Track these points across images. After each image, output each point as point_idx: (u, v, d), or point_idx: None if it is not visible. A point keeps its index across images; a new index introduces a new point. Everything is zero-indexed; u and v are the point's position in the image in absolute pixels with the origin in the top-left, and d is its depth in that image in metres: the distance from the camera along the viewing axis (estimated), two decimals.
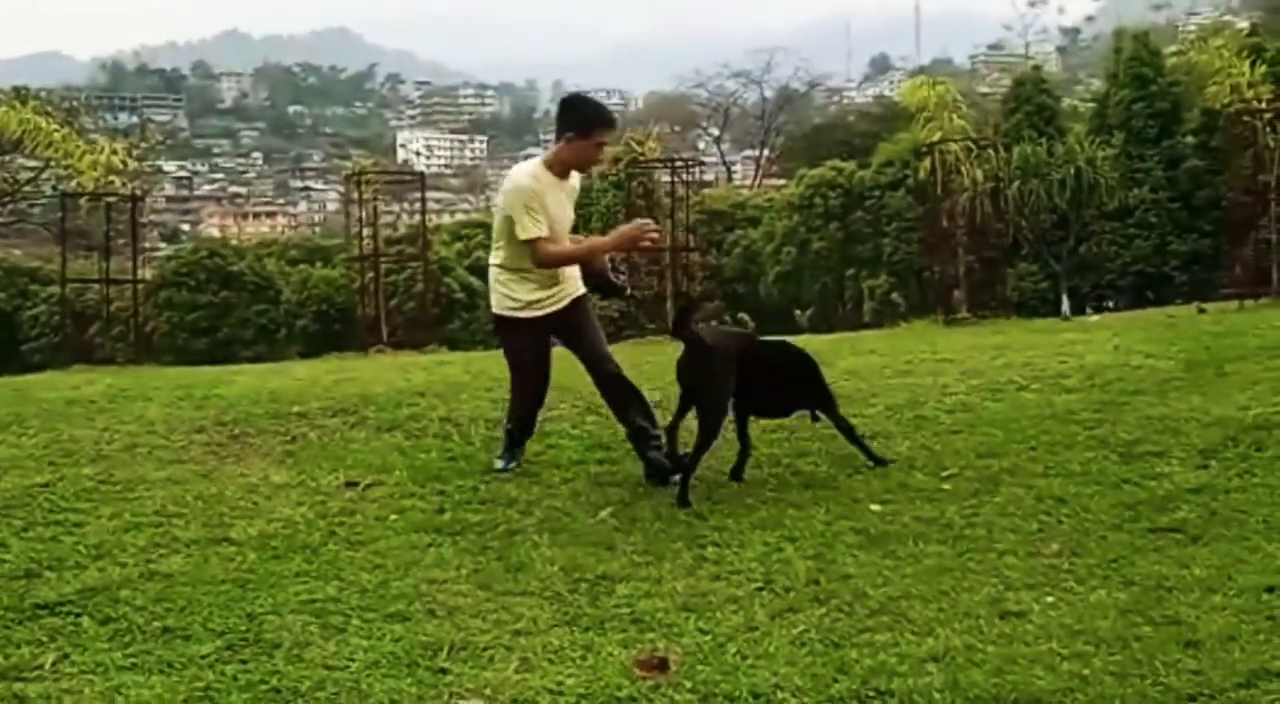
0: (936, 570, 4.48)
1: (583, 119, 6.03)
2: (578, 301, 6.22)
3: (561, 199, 6.09)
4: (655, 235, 6.21)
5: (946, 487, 5.64)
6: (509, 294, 6.14)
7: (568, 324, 6.19)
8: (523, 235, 5.90)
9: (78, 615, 4.10)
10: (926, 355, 9.01)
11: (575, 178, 6.20)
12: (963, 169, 14.76)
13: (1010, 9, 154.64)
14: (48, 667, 3.63)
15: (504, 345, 6.41)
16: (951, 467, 5.94)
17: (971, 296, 14.94)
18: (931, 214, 16.29)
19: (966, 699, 3.27)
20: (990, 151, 15.51)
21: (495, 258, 6.21)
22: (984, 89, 47.88)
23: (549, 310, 6.14)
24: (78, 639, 3.89)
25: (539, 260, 5.97)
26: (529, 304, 6.13)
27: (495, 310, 6.25)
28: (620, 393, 6.19)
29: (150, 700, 3.35)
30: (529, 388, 6.31)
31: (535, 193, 5.93)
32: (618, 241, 6.22)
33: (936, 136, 15.07)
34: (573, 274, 6.20)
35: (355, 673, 3.57)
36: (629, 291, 6.55)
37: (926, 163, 15.53)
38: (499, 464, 6.27)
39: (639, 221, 6.18)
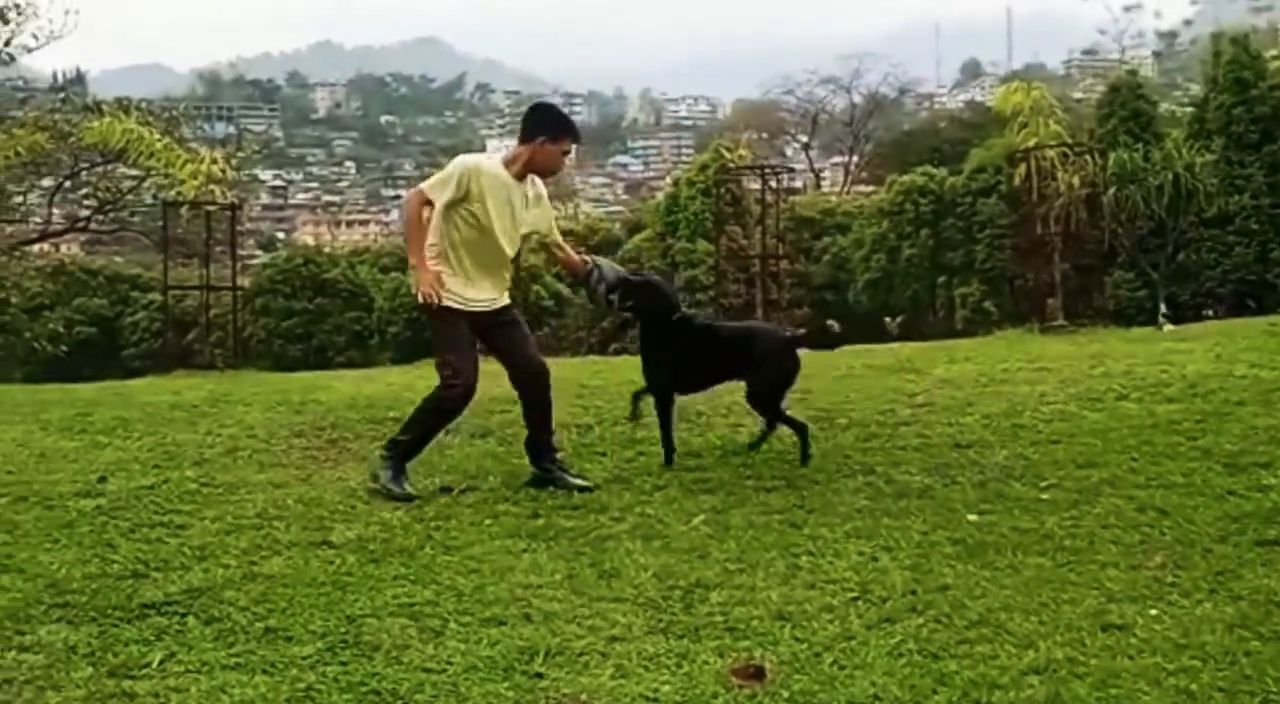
0: (1036, 582, 4.41)
1: (556, 125, 6.19)
2: (505, 308, 6.25)
3: (514, 198, 6.10)
4: (431, 298, 5.99)
5: (1045, 497, 5.56)
6: (443, 282, 6.05)
7: (494, 326, 6.20)
8: (422, 185, 6.11)
9: (183, 615, 4.18)
10: (1022, 364, 8.89)
11: (538, 185, 6.24)
12: (1058, 175, 14.53)
13: (1104, 13, 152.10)
14: (155, 665, 3.70)
15: (436, 334, 6.25)
16: (1050, 477, 5.85)
17: (1066, 305, 14.70)
18: (1026, 221, 16.07)
19: None
20: (1086, 157, 15.26)
21: (429, 250, 6.12)
22: (1078, 94, 47.10)
23: (477, 308, 6.10)
24: (183, 638, 3.97)
25: (405, 209, 6.23)
26: (459, 294, 6.06)
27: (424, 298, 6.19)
28: (543, 399, 6.28)
29: (254, 700, 3.41)
30: (456, 392, 6.05)
31: (478, 178, 5.98)
32: (419, 275, 6.07)
33: (1031, 142, 14.86)
34: (504, 284, 6.26)
35: (453, 676, 3.60)
36: (604, 302, 6.51)
37: (1021, 169, 15.31)
38: (386, 478, 6.00)
39: (430, 281, 5.99)
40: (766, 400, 6.61)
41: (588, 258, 6.69)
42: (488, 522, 5.43)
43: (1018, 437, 6.71)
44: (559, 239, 6.52)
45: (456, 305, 6.04)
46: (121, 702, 3.39)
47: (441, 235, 6.04)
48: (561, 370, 9.64)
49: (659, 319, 6.50)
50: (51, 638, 3.94)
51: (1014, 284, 25.82)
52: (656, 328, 6.50)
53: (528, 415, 6.30)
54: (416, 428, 6.15)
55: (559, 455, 6.31)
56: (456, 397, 6.05)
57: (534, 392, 6.25)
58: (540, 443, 6.24)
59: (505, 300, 6.27)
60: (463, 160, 6.09)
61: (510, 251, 6.21)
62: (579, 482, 6.07)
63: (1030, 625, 3.95)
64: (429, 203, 6.01)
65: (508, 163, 6.11)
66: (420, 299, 6.04)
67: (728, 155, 20.72)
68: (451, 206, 5.98)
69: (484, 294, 6.13)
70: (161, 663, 3.72)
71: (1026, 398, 7.59)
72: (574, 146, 6.29)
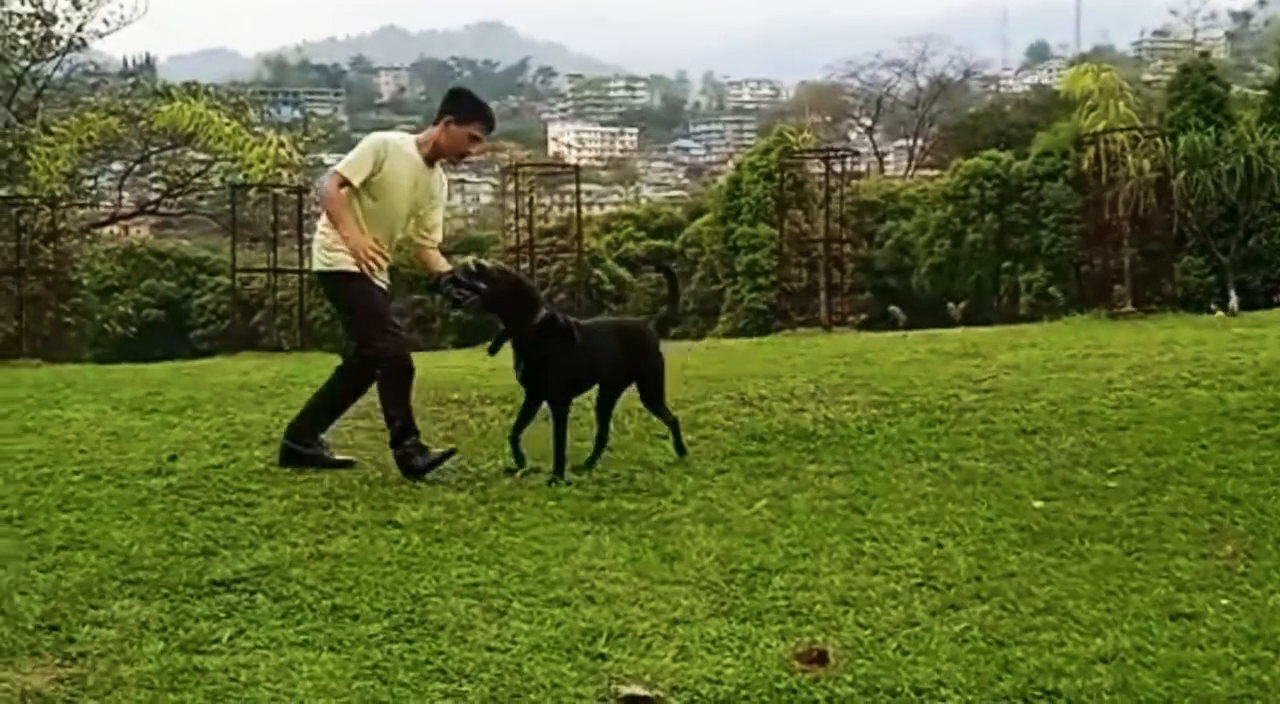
0: (1104, 570, 4.37)
1: (463, 107, 6.17)
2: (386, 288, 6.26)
3: (415, 179, 6.12)
4: (379, 262, 6.02)
5: (1113, 484, 5.49)
6: (345, 248, 6.01)
7: None
8: (337, 166, 6.12)
9: (252, 592, 4.24)
10: (1090, 350, 8.78)
11: (440, 174, 6.27)
12: (1127, 159, 14.31)
13: None
14: (225, 641, 3.76)
15: (350, 306, 6.16)
16: (1118, 464, 5.79)
17: (1134, 291, 14.48)
18: (1093, 205, 15.84)
19: (1137, 702, 3.18)
20: (1156, 141, 15.01)
21: (325, 223, 6.17)
22: (1148, 77, 46.34)
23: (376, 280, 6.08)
24: (252, 615, 4.02)
25: (325, 194, 6.14)
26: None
27: (328, 267, 6.09)
28: (367, 385, 6.28)
29: (322, 677, 3.45)
30: (397, 346, 6.12)
31: (388, 152, 6.02)
32: (354, 245, 6.00)
33: (1100, 126, 14.63)
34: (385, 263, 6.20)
35: (517, 656, 3.63)
36: (458, 300, 6.08)
37: (1089, 152, 15.08)
38: (419, 463, 5.97)
39: (367, 246, 5.99)
40: (661, 398, 6.52)
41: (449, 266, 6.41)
42: (550, 504, 5.46)
43: (1085, 423, 6.63)
44: (437, 241, 6.40)
45: (367, 273, 6.02)
46: (193, 677, 3.44)
47: (344, 207, 6.07)
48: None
49: (519, 320, 6.00)
50: (124, 613, 4.01)
51: (1080, 270, 25.49)
52: (532, 331, 5.99)
53: (347, 395, 6.34)
54: (393, 407, 6.10)
55: (326, 439, 6.30)
56: (394, 350, 6.08)
57: (361, 377, 6.25)
58: (319, 422, 6.29)
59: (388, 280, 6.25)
60: (374, 136, 6.22)
61: (398, 231, 6.24)
62: (340, 457, 6.22)
63: (1097, 613, 3.91)
64: (346, 184, 6.00)
65: (420, 144, 6.16)
66: (360, 268, 5.97)
67: (791, 139, 20.60)
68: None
69: (384, 271, 6.16)
70: (231, 639, 3.77)
71: (1094, 384, 7.50)
72: (483, 133, 6.22)
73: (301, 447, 6.17)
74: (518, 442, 6.13)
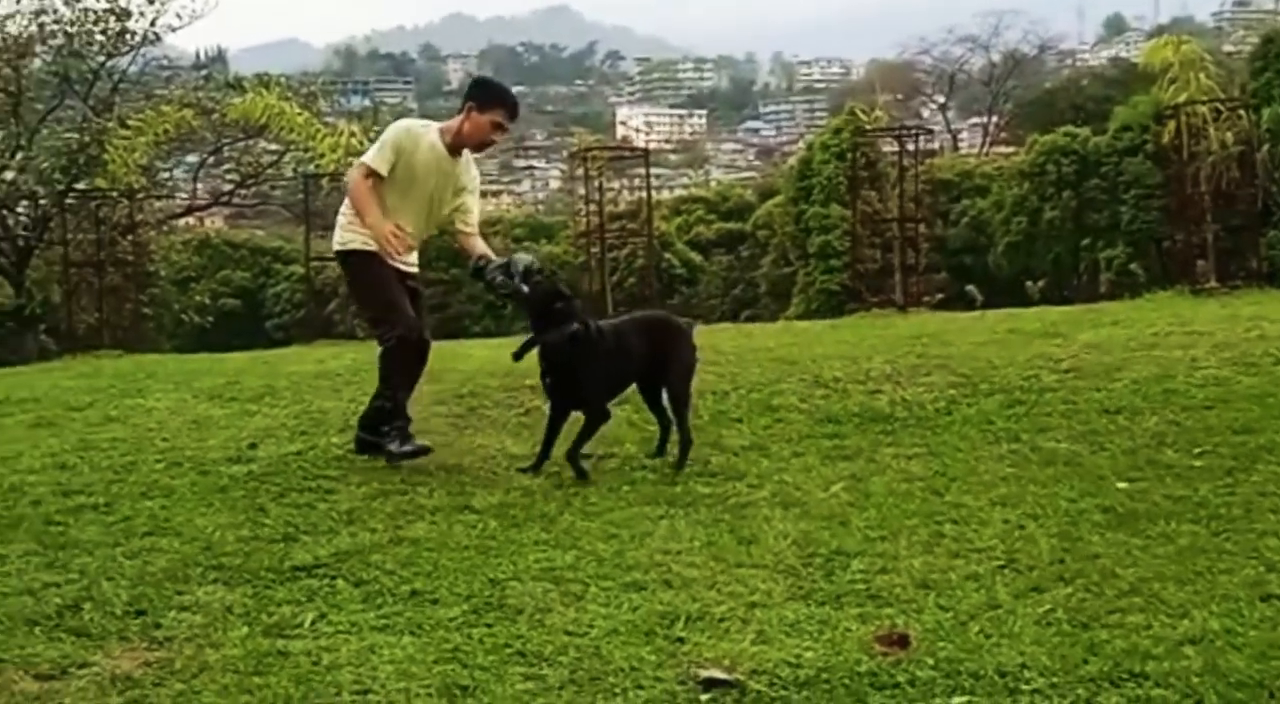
0: (1190, 551, 4.28)
1: (485, 94, 6.06)
2: (413, 274, 6.20)
3: (437, 168, 6.01)
4: (399, 248, 5.90)
5: (1199, 464, 5.38)
6: (359, 229, 5.97)
7: (402, 283, 6.11)
8: (364, 157, 6.02)
9: (333, 578, 4.28)
10: (1173, 327, 8.60)
11: (468, 163, 6.13)
12: (1209, 132, 13.99)
13: None
14: (307, 625, 3.80)
15: (361, 285, 6.17)
16: (1204, 443, 5.67)
17: (1218, 267, 14.17)
18: (1174, 180, 15.52)
19: (1227, 684, 3.11)
20: (1239, 113, 14.67)
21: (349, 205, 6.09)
22: (1229, 48, 45.34)
23: (395, 263, 5.98)
24: (333, 600, 4.06)
25: (350, 184, 6.02)
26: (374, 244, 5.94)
27: (342, 247, 6.06)
28: (419, 367, 6.14)
29: (402, 660, 3.47)
30: (405, 327, 5.93)
31: (411, 141, 5.94)
32: (376, 230, 5.93)
33: (1180, 98, 14.32)
34: (412, 252, 6.13)
35: (595, 639, 3.63)
36: (505, 291, 5.92)
37: (1169, 126, 14.77)
38: (393, 447, 5.87)
39: (390, 230, 5.87)
40: (685, 398, 6.13)
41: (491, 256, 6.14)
42: (625, 488, 5.46)
43: (1169, 402, 6.51)
44: (475, 228, 6.25)
45: (384, 255, 5.93)
46: (277, 660, 3.48)
47: (367, 195, 5.98)
48: (704, 338, 9.66)
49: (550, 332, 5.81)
50: (209, 598, 4.07)
51: (1162, 246, 25.04)
52: (562, 343, 5.78)
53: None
54: (388, 386, 5.99)
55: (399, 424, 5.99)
56: (400, 338, 5.91)
57: (413, 358, 6.10)
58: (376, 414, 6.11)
59: (414, 267, 6.23)
60: (397, 125, 6.10)
61: (425, 225, 6.18)
62: (408, 447, 5.87)
63: (1185, 595, 3.83)
64: (373, 174, 5.92)
65: (443, 132, 6.03)
66: (385, 253, 5.89)
67: (863, 117, 20.40)
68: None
69: (406, 254, 6.07)
70: (313, 623, 3.82)
71: (1178, 363, 7.35)
72: (506, 120, 6.09)
73: (376, 436, 6.07)
74: (547, 457, 5.87)
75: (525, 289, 5.81)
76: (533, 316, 5.89)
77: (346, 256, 6.06)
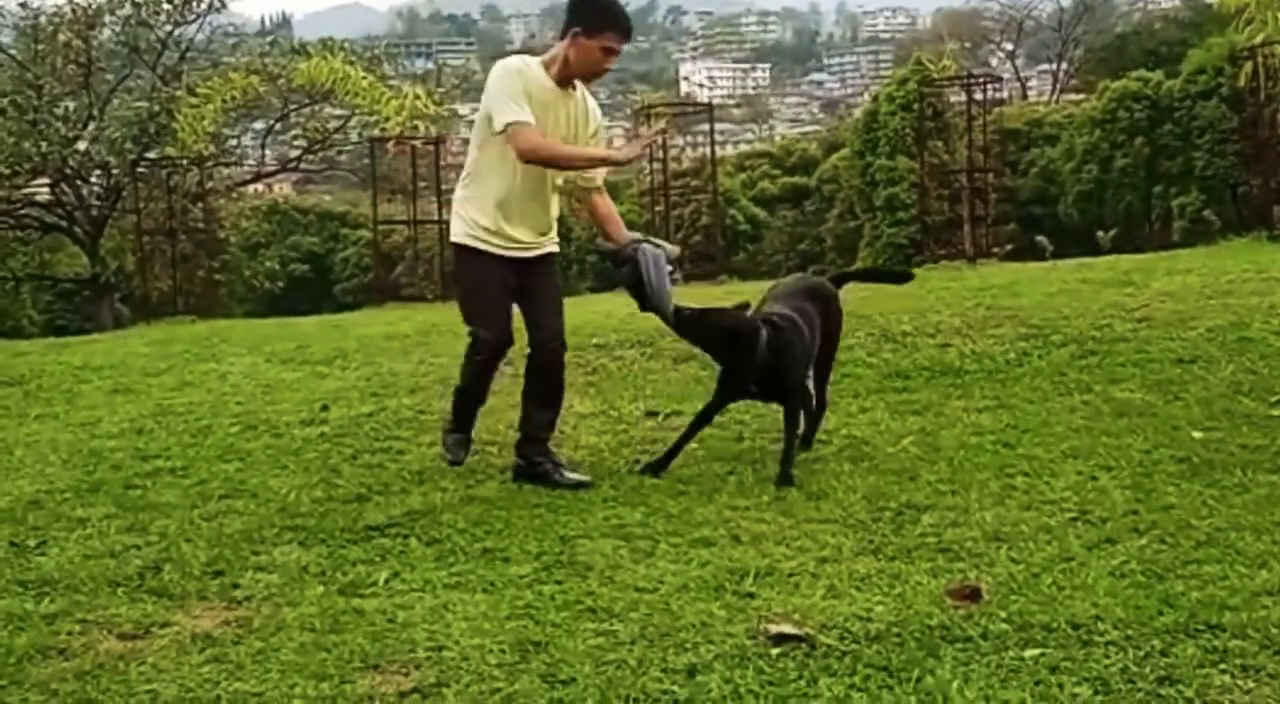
0: (1268, 500, 4.21)
1: (593, 14, 4.99)
2: (546, 258, 5.23)
3: (560, 114, 5.03)
4: (657, 138, 5.28)
5: (1276, 413, 5.29)
6: (471, 219, 5.08)
7: (529, 276, 5.15)
8: (499, 119, 4.85)
9: (405, 537, 4.34)
10: (1250, 274, 8.43)
11: (583, 95, 5.13)
12: None
13: None
14: (381, 584, 3.85)
15: (460, 282, 5.31)
16: None
17: None
18: (1251, 124, 15.14)
19: None
20: None
21: (461, 181, 5.26)
22: None
23: (513, 253, 5.10)
24: (406, 558, 4.11)
25: (521, 150, 4.85)
26: (492, 234, 5.07)
27: (454, 238, 5.20)
28: (550, 382, 5.24)
29: (476, 617, 3.51)
30: (486, 339, 5.09)
31: (522, 83, 4.91)
32: (629, 151, 5.30)
33: (1258, 39, 13.94)
34: (547, 224, 5.21)
35: (665, 595, 3.64)
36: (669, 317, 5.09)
37: (1246, 68, 14.39)
38: (442, 448, 5.29)
39: (648, 131, 5.25)
40: (828, 371, 5.69)
41: (635, 236, 5.24)
42: (693, 445, 5.45)
43: (1245, 350, 6.39)
44: (599, 182, 5.30)
45: (485, 247, 5.07)
46: (352, 618, 3.53)
47: (478, 161, 5.10)
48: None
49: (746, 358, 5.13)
50: (285, 558, 4.14)
51: (1237, 191, 24.48)
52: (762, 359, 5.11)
53: (528, 396, 5.28)
54: (458, 391, 5.31)
55: (551, 448, 5.26)
56: (484, 355, 5.13)
57: (542, 372, 5.23)
58: (532, 431, 5.23)
59: (549, 247, 5.25)
60: (505, 68, 4.99)
61: (552, 188, 5.18)
62: (574, 477, 5.05)
63: (1262, 546, 3.77)
64: (529, 125, 4.86)
65: (546, 64, 5.03)
66: (476, 244, 5.05)
67: (929, 67, 20.09)
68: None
69: (522, 235, 5.10)
70: (387, 582, 3.87)
71: (1254, 310, 7.20)
72: (620, 44, 5.06)
73: (530, 464, 5.16)
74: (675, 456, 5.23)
75: (681, 315, 5.11)
76: (713, 353, 5.31)
77: (456, 249, 5.24)
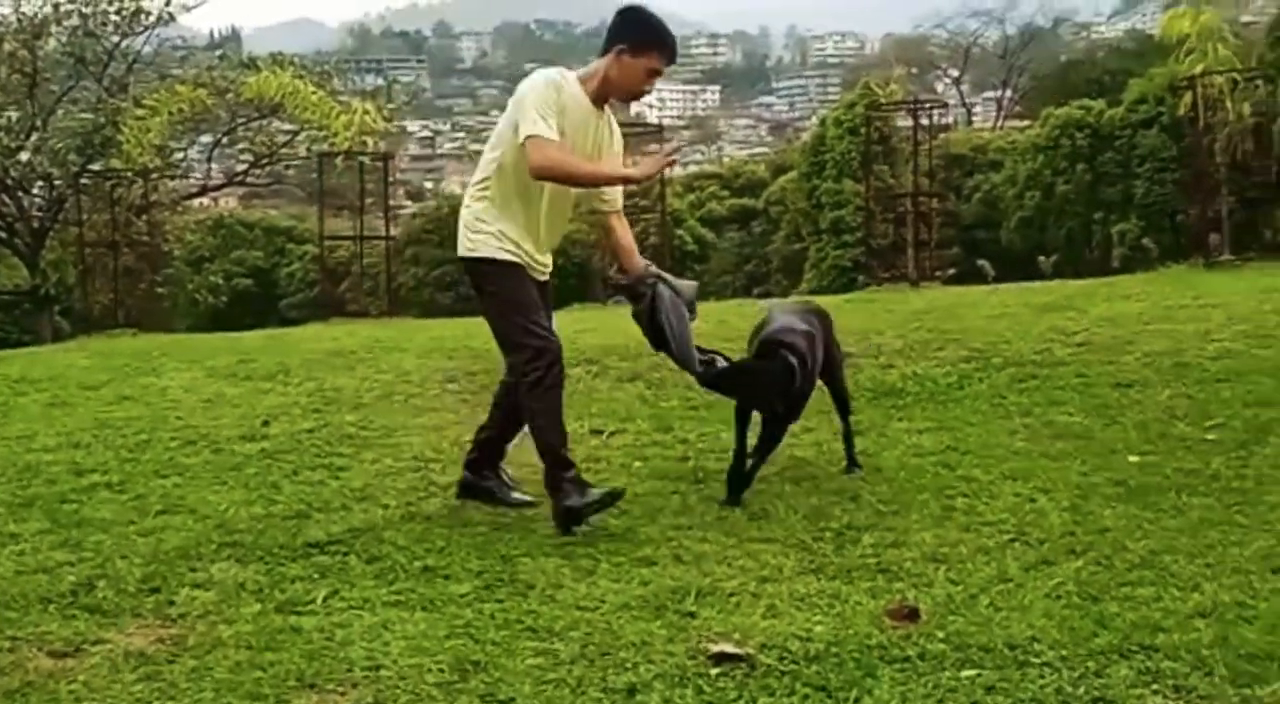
0: (1202, 524, 4.28)
1: (642, 33, 4.79)
2: (547, 283, 4.96)
3: (589, 132, 4.79)
4: (674, 159, 4.87)
5: (1212, 437, 5.37)
6: (498, 232, 4.74)
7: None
8: (522, 130, 4.59)
9: (345, 554, 4.30)
10: (1187, 301, 8.57)
11: (613, 124, 4.96)
12: (1226, 103, 13.88)
13: None
14: (320, 602, 3.82)
15: (495, 299, 4.79)
16: (1217, 416, 5.66)
17: (1232, 239, 14.09)
18: (1189, 153, 15.42)
19: (1238, 656, 3.10)
20: (1256, 84, 14.54)
21: (478, 190, 4.85)
22: (1247, 18, 44.90)
23: (534, 276, 4.85)
24: (345, 576, 4.08)
25: (536, 165, 4.58)
26: (523, 251, 4.78)
27: (474, 253, 4.77)
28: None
29: (415, 636, 3.49)
30: (550, 359, 4.67)
31: (556, 95, 4.66)
32: (646, 168, 5.13)
33: (1198, 69, 14.20)
34: (553, 244, 4.97)
35: (606, 614, 3.64)
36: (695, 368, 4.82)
37: (1186, 98, 14.66)
38: (573, 503, 4.59)
39: (666, 148, 5.00)
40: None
41: (651, 266, 4.99)
42: (637, 464, 5.47)
43: (1182, 376, 6.49)
44: (618, 205, 5.04)
45: (519, 261, 4.78)
46: (289, 636, 3.50)
47: (501, 175, 4.78)
48: (717, 314, 9.66)
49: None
50: (222, 575, 4.10)
51: (1176, 219, 24.88)
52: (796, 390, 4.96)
53: (505, 416, 5.03)
54: (541, 428, 4.77)
55: (505, 468, 5.13)
56: (547, 365, 4.67)
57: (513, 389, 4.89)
58: (496, 450, 5.10)
59: (550, 268, 5.00)
60: (541, 79, 4.74)
61: (571, 209, 5.00)
62: (520, 497, 4.98)
63: (1196, 568, 3.83)
64: (551, 140, 4.60)
65: (584, 79, 4.80)
66: (509, 257, 4.73)
67: (877, 92, 20.29)
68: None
69: (542, 258, 4.90)
70: (326, 600, 3.83)
71: (1191, 336, 7.32)
72: (665, 66, 4.83)
73: (478, 478, 5.08)
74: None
75: (715, 368, 4.84)
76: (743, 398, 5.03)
77: (477, 264, 4.79)
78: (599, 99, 4.83)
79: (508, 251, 4.74)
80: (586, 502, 4.58)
